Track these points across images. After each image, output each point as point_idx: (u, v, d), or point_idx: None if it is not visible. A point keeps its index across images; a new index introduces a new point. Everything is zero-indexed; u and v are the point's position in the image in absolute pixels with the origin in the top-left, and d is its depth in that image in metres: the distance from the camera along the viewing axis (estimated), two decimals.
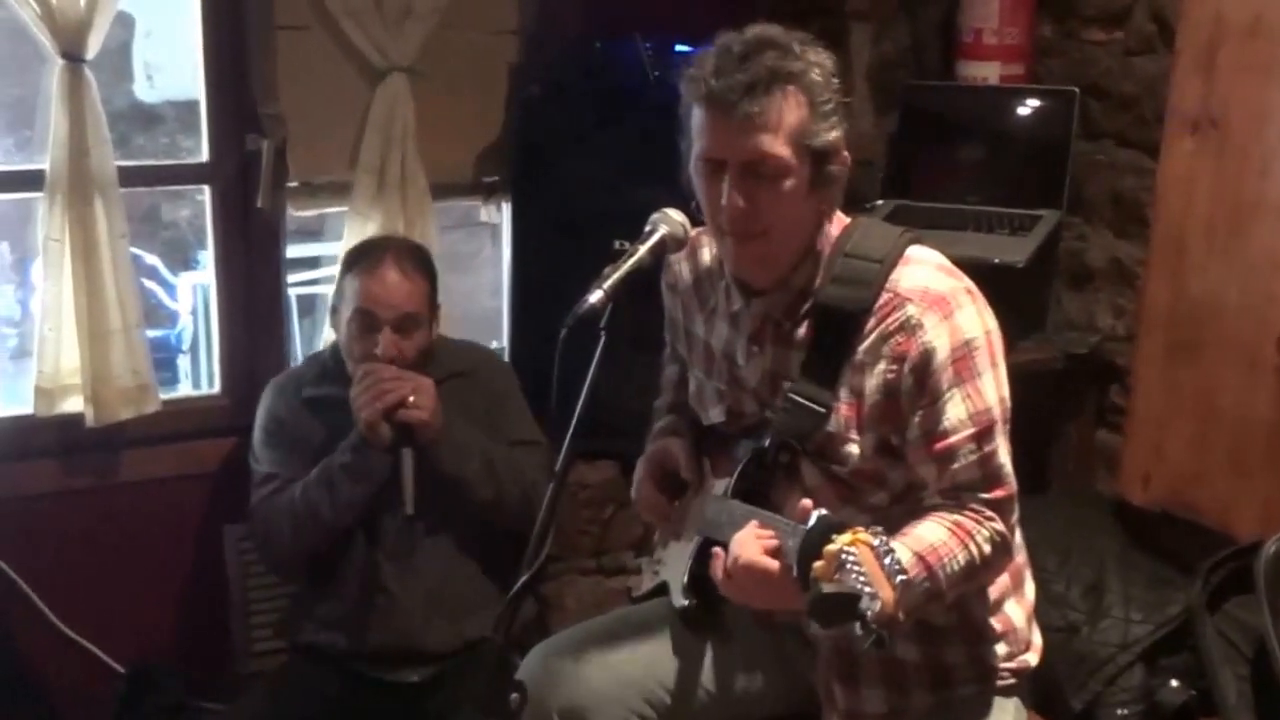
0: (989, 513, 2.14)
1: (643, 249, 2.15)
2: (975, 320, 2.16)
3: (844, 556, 1.79)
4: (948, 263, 2.25)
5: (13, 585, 3.27)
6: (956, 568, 2.08)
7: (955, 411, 2.13)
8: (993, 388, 2.15)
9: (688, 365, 2.53)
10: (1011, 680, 2.34)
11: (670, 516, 2.50)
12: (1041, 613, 2.48)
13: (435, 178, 3.53)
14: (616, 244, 2.92)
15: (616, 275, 2.09)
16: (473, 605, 3.04)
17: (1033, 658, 2.38)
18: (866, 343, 2.18)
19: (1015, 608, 2.35)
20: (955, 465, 2.13)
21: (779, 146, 2.11)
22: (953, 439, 2.13)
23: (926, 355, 2.12)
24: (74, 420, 3.22)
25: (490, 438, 3.08)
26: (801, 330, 2.25)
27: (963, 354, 2.13)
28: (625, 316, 2.07)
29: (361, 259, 3.05)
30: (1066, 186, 3.72)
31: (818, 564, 1.82)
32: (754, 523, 2.11)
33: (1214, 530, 3.27)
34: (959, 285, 2.19)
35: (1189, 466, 3.30)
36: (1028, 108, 3.85)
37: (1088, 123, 3.79)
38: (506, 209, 3.75)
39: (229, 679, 3.40)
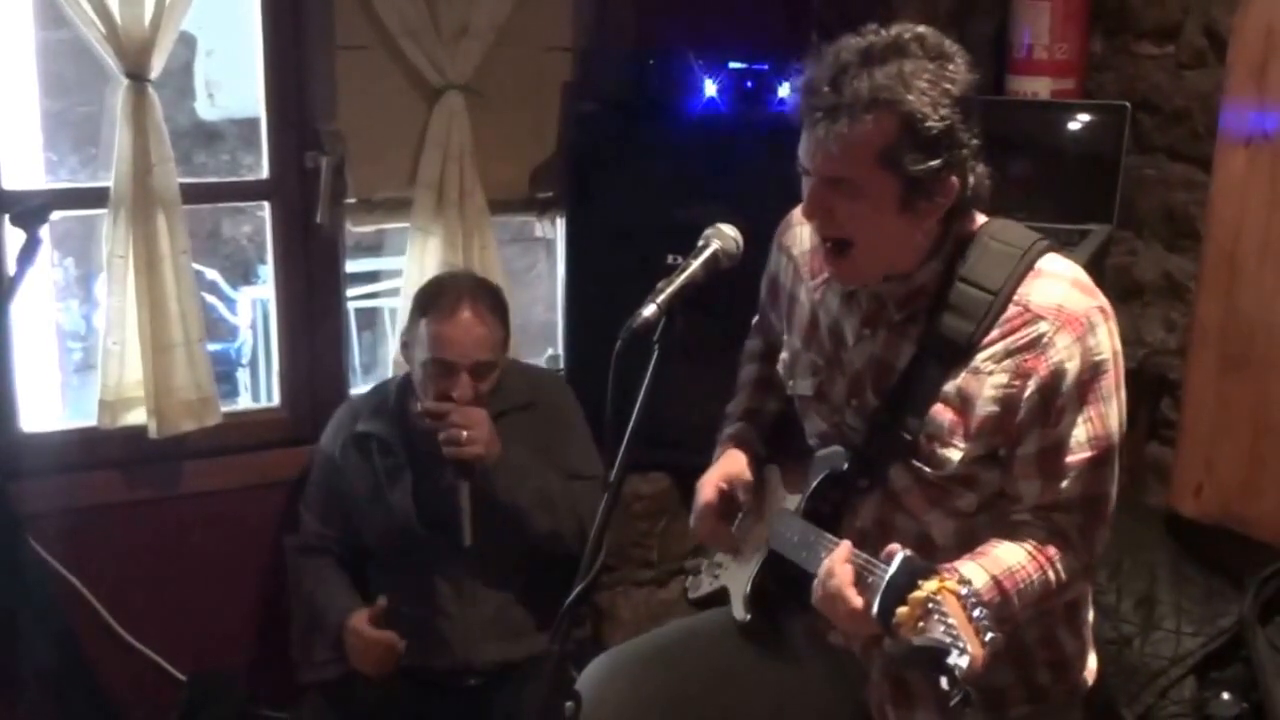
0: (1079, 542, 2.13)
1: (695, 263, 2.14)
2: (1106, 343, 2.11)
3: (930, 605, 1.78)
4: (1084, 277, 2.17)
5: (77, 594, 3.32)
6: (1032, 592, 2.09)
7: (1077, 434, 2.10)
8: (1115, 415, 2.13)
9: (784, 332, 2.46)
10: (1065, 701, 2.34)
11: (732, 544, 2.50)
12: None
13: (491, 193, 3.56)
14: (670, 259, 2.97)
15: (670, 290, 2.08)
16: (527, 629, 3.08)
17: (1087, 679, 2.36)
18: (987, 351, 2.12)
19: (1072, 633, 2.33)
20: (1062, 484, 2.12)
21: (855, 169, 2.06)
22: (1068, 459, 2.11)
23: (1057, 375, 2.08)
24: (137, 432, 3.27)
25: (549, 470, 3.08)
26: (916, 324, 2.20)
27: (1091, 376, 2.09)
28: (679, 330, 2.07)
29: (436, 302, 2.99)
30: (1117, 201, 3.70)
31: (901, 610, 1.81)
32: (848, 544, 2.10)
33: (1265, 543, 3.26)
34: (1094, 304, 2.12)
35: (1240, 479, 3.29)
36: (1079, 122, 3.82)
37: (1139, 137, 3.78)
38: (561, 224, 3.78)
39: (290, 687, 3.43)
